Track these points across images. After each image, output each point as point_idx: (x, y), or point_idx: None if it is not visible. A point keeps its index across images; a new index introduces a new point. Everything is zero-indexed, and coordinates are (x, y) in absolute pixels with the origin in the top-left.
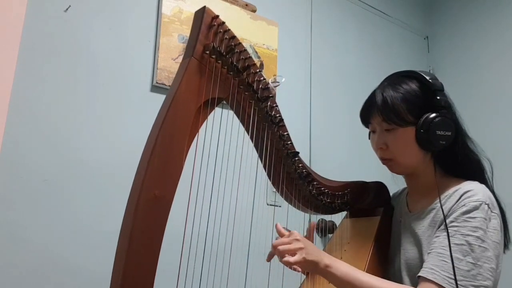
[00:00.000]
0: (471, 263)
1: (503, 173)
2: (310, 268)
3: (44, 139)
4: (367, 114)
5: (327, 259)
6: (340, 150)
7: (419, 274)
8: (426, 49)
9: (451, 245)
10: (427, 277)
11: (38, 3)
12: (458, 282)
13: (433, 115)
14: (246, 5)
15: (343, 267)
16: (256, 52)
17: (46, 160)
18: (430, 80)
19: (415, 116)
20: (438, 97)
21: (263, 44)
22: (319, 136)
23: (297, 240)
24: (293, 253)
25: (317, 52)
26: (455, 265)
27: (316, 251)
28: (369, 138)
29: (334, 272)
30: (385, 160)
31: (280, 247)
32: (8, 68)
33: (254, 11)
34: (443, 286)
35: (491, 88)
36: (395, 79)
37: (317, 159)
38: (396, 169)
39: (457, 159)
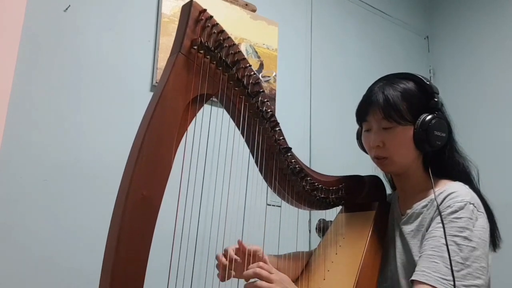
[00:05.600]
0: (460, 263)
1: (503, 174)
2: None
3: (43, 139)
4: (365, 111)
5: None
6: (340, 149)
7: (412, 278)
8: (426, 49)
9: (440, 245)
10: (420, 280)
11: (37, 3)
12: (450, 283)
13: (431, 116)
14: (246, 4)
15: None
16: (256, 52)
17: (46, 160)
18: (427, 83)
19: (414, 116)
20: (435, 99)
21: (263, 44)
22: (319, 136)
23: (282, 281)
24: (271, 282)
25: (317, 52)
26: (445, 266)
27: (291, 286)
28: (358, 138)
29: None
30: (379, 159)
31: (264, 273)
32: (8, 68)
33: (254, 10)
34: (435, 287)
35: (491, 88)
36: (392, 79)
37: (317, 159)
38: (389, 167)
39: (445, 161)
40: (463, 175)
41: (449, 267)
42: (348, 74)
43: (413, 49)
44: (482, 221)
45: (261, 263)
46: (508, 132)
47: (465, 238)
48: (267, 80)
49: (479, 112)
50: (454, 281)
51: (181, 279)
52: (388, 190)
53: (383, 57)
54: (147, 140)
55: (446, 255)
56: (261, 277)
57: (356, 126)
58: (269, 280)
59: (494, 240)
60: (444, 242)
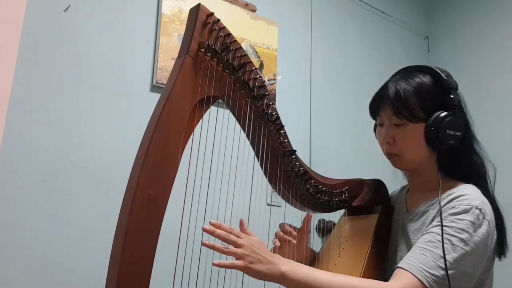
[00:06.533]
0: (449, 262)
1: (504, 174)
2: (261, 278)
3: (43, 139)
4: (377, 106)
5: (283, 265)
6: (340, 150)
7: (397, 265)
8: (426, 49)
9: (434, 241)
10: (402, 267)
11: (37, 2)
12: (433, 277)
13: (445, 113)
14: (246, 4)
15: (300, 271)
16: (256, 52)
17: (46, 160)
18: (445, 78)
19: (427, 113)
20: (451, 96)
21: (263, 44)
22: (319, 136)
23: (249, 247)
24: (239, 257)
25: (317, 52)
26: (433, 260)
27: (265, 262)
28: (374, 131)
29: (291, 277)
30: (390, 155)
31: (232, 238)
32: (8, 68)
33: (254, 10)
34: (416, 276)
35: (492, 88)
36: (408, 73)
37: (317, 159)
38: (400, 164)
39: (460, 161)
40: (478, 177)
41: (436, 262)
42: (348, 74)
43: (413, 49)
44: (485, 229)
45: (230, 228)
46: (508, 133)
47: (462, 240)
48: (273, 84)
49: (479, 112)
50: (448, 279)
51: (187, 278)
52: (390, 190)
53: (383, 57)
54: (154, 140)
55: (437, 251)
56: (228, 242)
57: (356, 126)
58: (236, 245)
59: (502, 248)
60: (439, 239)
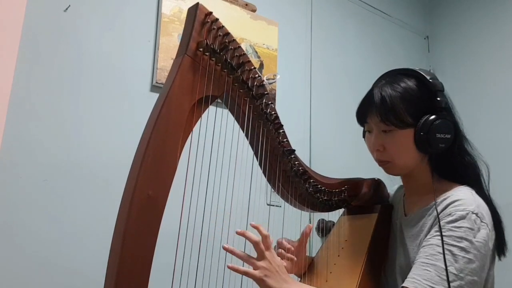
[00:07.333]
0: (454, 274)
1: (503, 174)
2: None
3: (43, 139)
4: (364, 113)
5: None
6: (340, 150)
7: (403, 284)
8: (426, 49)
9: (435, 254)
10: (408, 286)
11: (37, 2)
12: None
13: (433, 117)
14: (246, 4)
15: None
16: (256, 52)
17: (46, 160)
18: (430, 80)
19: (414, 118)
20: (438, 98)
21: (263, 44)
22: (319, 136)
23: (270, 262)
24: (256, 267)
25: (317, 52)
26: (437, 274)
27: (279, 280)
28: (363, 137)
29: None
30: (382, 162)
31: (258, 262)
32: (8, 68)
33: (254, 10)
34: None
35: (491, 88)
36: (393, 77)
37: (317, 159)
38: (392, 170)
39: (453, 162)
40: (473, 177)
41: (441, 276)
42: (348, 74)
43: (413, 49)
44: (484, 233)
45: (258, 243)
46: (508, 133)
47: (462, 249)
48: (272, 83)
49: (480, 112)
50: None
51: (186, 277)
52: (388, 189)
53: (383, 57)
54: (153, 140)
55: (440, 264)
56: (246, 261)
57: (356, 126)
58: (254, 267)
59: (502, 248)
60: (440, 251)
